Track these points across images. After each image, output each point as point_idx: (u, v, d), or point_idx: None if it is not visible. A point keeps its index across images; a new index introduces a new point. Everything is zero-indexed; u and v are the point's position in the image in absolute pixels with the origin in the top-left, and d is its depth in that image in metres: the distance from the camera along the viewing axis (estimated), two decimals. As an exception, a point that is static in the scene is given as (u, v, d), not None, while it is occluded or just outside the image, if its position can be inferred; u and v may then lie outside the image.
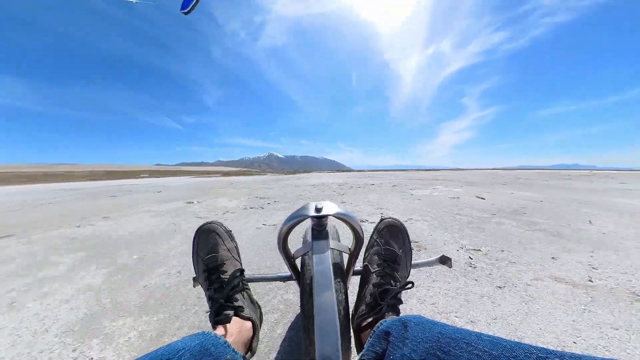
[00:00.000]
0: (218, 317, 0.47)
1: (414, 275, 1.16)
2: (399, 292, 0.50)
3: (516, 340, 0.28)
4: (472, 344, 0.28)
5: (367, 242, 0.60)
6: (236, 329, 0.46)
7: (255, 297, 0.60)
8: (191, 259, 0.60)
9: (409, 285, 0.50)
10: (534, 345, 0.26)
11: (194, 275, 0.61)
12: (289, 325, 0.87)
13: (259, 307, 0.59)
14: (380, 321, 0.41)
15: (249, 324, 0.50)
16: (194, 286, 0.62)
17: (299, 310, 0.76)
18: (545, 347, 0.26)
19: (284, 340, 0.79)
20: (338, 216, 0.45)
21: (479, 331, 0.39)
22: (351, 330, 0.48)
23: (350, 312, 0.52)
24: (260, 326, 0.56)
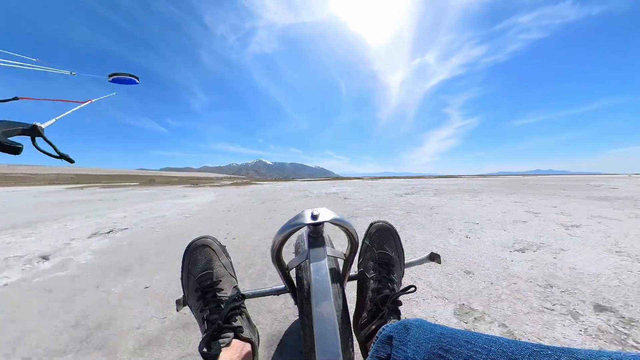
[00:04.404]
0: (215, 340, 0.42)
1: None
2: (399, 296, 0.50)
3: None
4: (472, 342, 0.29)
5: (359, 248, 0.60)
6: (236, 355, 0.42)
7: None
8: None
9: (411, 289, 0.50)
10: (529, 342, 0.27)
11: (178, 298, 0.54)
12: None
13: (256, 327, 0.55)
14: (383, 326, 0.41)
15: (248, 346, 0.46)
16: (177, 309, 0.54)
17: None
18: (540, 343, 0.28)
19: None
20: (334, 222, 0.44)
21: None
22: (353, 338, 0.48)
23: (351, 319, 0.51)
24: (258, 347, 0.52)
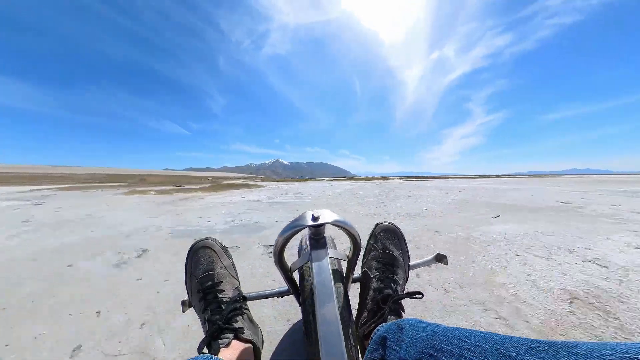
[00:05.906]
0: (215, 340, 0.42)
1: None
2: (403, 298, 0.49)
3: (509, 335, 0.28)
4: (464, 340, 0.28)
5: (364, 248, 0.59)
6: (236, 355, 0.42)
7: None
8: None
9: (419, 296, 0.48)
10: (524, 338, 0.26)
11: (184, 299, 0.55)
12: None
13: (259, 327, 0.54)
14: (378, 327, 0.40)
15: (249, 347, 0.45)
16: (182, 311, 0.54)
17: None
18: (536, 338, 0.26)
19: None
20: (336, 224, 0.44)
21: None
22: (355, 338, 0.47)
23: (353, 320, 0.51)
24: (262, 348, 0.51)
